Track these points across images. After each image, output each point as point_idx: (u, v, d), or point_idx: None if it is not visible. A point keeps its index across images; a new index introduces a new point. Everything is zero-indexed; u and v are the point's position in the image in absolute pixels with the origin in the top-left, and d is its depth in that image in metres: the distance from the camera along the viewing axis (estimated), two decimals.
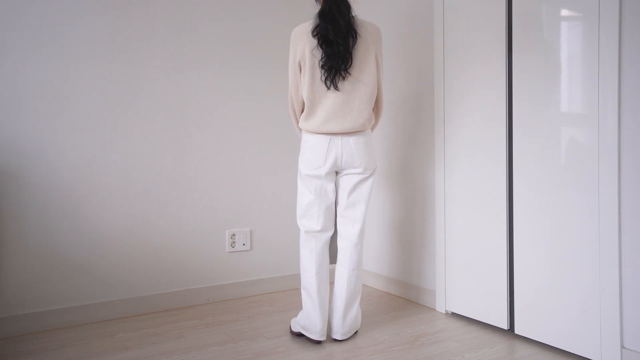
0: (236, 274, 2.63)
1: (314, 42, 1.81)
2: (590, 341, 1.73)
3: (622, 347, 1.65)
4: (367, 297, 2.60)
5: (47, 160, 2.14)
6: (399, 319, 2.24)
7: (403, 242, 2.61)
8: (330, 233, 1.97)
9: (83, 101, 2.22)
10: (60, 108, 2.17)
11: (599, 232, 1.70)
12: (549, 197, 1.85)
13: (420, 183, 2.48)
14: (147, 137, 2.37)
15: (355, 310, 1.97)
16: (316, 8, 1.92)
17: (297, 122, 2.02)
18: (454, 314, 2.30)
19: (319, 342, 1.92)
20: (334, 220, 2.01)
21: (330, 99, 1.84)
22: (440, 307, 2.34)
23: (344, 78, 1.82)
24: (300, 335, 1.98)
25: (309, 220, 1.94)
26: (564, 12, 1.80)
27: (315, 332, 1.89)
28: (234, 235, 2.61)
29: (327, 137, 1.87)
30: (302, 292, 1.95)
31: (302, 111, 1.94)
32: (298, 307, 2.41)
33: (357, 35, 1.82)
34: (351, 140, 1.88)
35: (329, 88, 1.82)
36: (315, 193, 1.92)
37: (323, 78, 1.82)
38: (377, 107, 2.00)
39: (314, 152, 1.89)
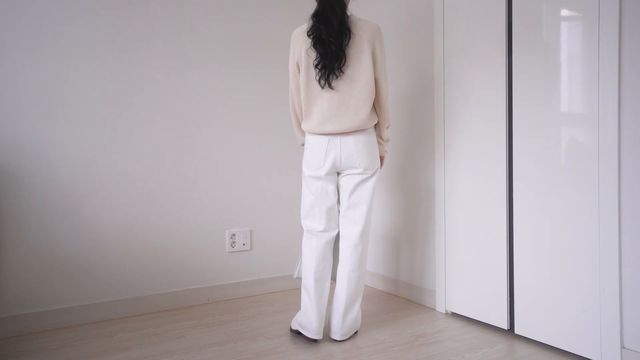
0: (236, 274, 2.63)
1: (309, 42, 1.84)
2: (590, 341, 1.73)
3: (622, 347, 1.65)
4: (367, 297, 2.60)
5: (47, 160, 2.14)
6: (399, 319, 2.24)
7: (403, 242, 2.60)
8: (333, 233, 1.98)
9: (83, 101, 2.22)
10: (60, 108, 2.17)
11: (599, 232, 1.70)
12: (549, 197, 1.85)
13: (421, 183, 2.48)
14: (147, 137, 2.37)
15: (356, 311, 1.96)
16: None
17: (298, 124, 2.05)
18: (454, 314, 2.30)
19: (314, 341, 1.93)
20: (337, 222, 2.01)
21: (325, 98, 1.85)
22: (440, 307, 2.34)
23: (337, 77, 1.82)
24: (298, 333, 1.99)
25: (312, 220, 1.96)
26: (564, 12, 1.80)
27: (311, 330, 1.90)
28: (234, 235, 2.61)
29: (326, 138, 1.88)
30: (302, 290, 1.97)
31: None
32: (298, 307, 2.41)
33: (351, 34, 1.82)
34: (350, 140, 1.87)
35: (323, 87, 1.84)
36: (316, 194, 1.94)
37: (317, 77, 1.83)
38: (378, 105, 1.92)
39: (314, 153, 1.91)
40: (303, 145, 2.06)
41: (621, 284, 1.65)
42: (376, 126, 1.99)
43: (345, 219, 1.97)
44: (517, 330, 1.99)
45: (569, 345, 1.80)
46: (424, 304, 2.45)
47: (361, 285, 1.96)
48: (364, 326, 2.13)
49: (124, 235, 2.31)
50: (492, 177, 2.08)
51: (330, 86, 1.83)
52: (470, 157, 2.18)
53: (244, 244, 2.65)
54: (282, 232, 2.78)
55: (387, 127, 1.99)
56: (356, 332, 2.04)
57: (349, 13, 1.86)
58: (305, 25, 1.89)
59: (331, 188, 1.94)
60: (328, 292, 1.95)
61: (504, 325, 2.04)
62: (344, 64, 1.82)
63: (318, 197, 1.93)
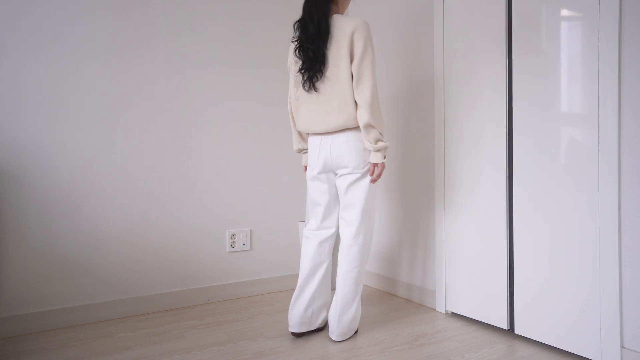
0: (236, 274, 2.63)
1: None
2: (590, 341, 1.73)
3: (622, 347, 1.65)
4: (367, 297, 2.60)
5: (47, 160, 2.14)
6: (399, 319, 2.24)
7: (403, 242, 2.61)
8: (328, 233, 2.00)
9: (83, 101, 2.22)
10: (60, 108, 2.17)
11: (599, 232, 1.70)
12: (549, 197, 1.85)
13: (421, 183, 2.48)
14: (147, 137, 2.37)
15: (352, 312, 1.95)
16: None
17: (294, 126, 2.10)
18: (454, 314, 2.30)
19: (295, 335, 2.00)
20: (334, 222, 2.03)
21: (311, 100, 1.93)
22: (441, 307, 2.34)
23: (319, 79, 1.88)
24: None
25: (309, 218, 2.06)
26: (564, 12, 1.80)
27: (290, 324, 2.00)
28: (234, 235, 2.61)
29: (319, 137, 1.95)
30: None
31: None
32: None
33: (329, 37, 1.86)
34: (341, 138, 1.90)
35: (307, 91, 1.91)
36: (312, 193, 2.03)
37: (302, 81, 1.92)
38: (357, 103, 1.84)
39: (310, 152, 2.00)
40: (297, 151, 2.15)
41: (621, 284, 1.65)
42: None
43: (342, 219, 1.98)
44: (517, 330, 1.99)
45: (569, 345, 1.80)
46: (424, 304, 2.45)
47: (356, 286, 1.94)
48: (364, 326, 2.13)
49: (124, 235, 2.31)
50: (491, 176, 2.08)
51: (314, 89, 1.89)
52: (470, 157, 2.18)
53: (244, 244, 2.65)
54: (282, 232, 2.78)
55: (370, 127, 1.82)
56: (356, 333, 2.04)
57: (340, 14, 1.89)
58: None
59: (324, 187, 1.99)
60: (313, 290, 1.97)
61: (504, 325, 2.04)
62: (324, 67, 1.86)
63: (314, 196, 2.02)
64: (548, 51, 1.85)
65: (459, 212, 2.24)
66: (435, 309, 2.37)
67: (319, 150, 1.94)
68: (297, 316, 1.99)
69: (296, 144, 2.12)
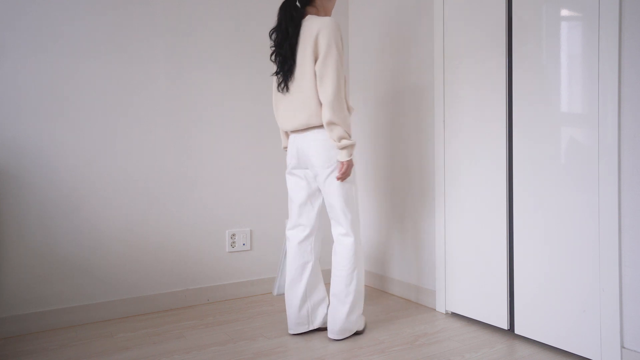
0: (236, 274, 2.63)
1: None
2: (590, 341, 1.73)
3: (622, 347, 1.65)
4: (367, 297, 2.60)
5: (47, 160, 2.14)
6: (399, 319, 2.24)
7: (403, 242, 2.61)
8: (304, 232, 2.01)
9: (83, 101, 2.22)
10: (60, 108, 2.17)
11: (599, 232, 1.70)
12: (549, 197, 1.85)
13: (420, 183, 2.48)
14: (147, 137, 2.37)
15: (346, 311, 1.93)
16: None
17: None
18: (454, 314, 2.30)
19: (292, 334, 2.04)
20: (311, 220, 2.02)
21: (285, 100, 1.98)
22: (440, 307, 2.34)
23: (289, 80, 1.95)
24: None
25: (289, 217, 2.09)
26: (564, 12, 1.80)
27: (289, 325, 2.04)
28: (234, 235, 2.61)
29: (293, 135, 2.01)
30: None
31: None
32: None
33: (298, 39, 1.92)
34: (310, 136, 1.93)
35: (281, 92, 1.98)
36: (290, 189, 2.07)
37: (277, 84, 2.01)
38: (321, 101, 1.86)
39: (288, 149, 2.06)
40: (283, 148, 2.19)
41: (621, 284, 1.65)
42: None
43: (331, 219, 2.01)
44: (517, 330, 1.99)
45: (569, 345, 1.80)
46: (424, 304, 2.45)
47: (347, 286, 1.93)
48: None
49: (124, 235, 2.31)
50: (492, 176, 2.08)
51: (287, 89, 1.96)
52: (470, 157, 2.18)
53: (244, 244, 2.65)
54: (282, 232, 2.78)
55: (332, 125, 1.83)
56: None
57: (316, 15, 1.92)
58: None
59: (302, 183, 2.01)
60: (303, 291, 1.99)
61: (504, 325, 2.04)
62: (294, 67, 1.93)
63: (290, 192, 2.07)
64: (548, 51, 1.85)
65: (459, 212, 2.24)
66: (435, 309, 2.37)
67: (294, 146, 2.00)
68: (292, 317, 2.02)
69: (283, 141, 2.18)
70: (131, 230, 2.33)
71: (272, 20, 2.73)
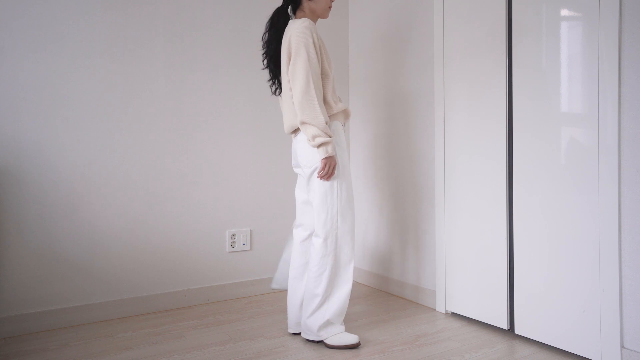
0: (236, 274, 2.63)
1: None
2: (590, 341, 1.73)
3: (622, 347, 1.65)
4: (367, 297, 2.60)
5: (47, 160, 2.14)
6: (399, 319, 2.24)
7: (403, 242, 2.61)
8: (304, 232, 2.03)
9: (83, 101, 2.22)
10: (60, 108, 2.17)
11: (599, 232, 1.70)
12: (549, 197, 1.85)
13: (420, 183, 2.48)
14: (147, 137, 2.37)
15: (310, 311, 1.89)
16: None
17: None
18: (454, 314, 2.30)
19: (292, 334, 2.04)
20: (312, 220, 2.01)
21: (282, 105, 2.03)
22: (440, 307, 2.34)
23: (278, 86, 2.04)
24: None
25: None
26: (564, 12, 1.80)
27: (288, 324, 2.05)
28: (234, 235, 2.61)
29: (292, 137, 2.04)
30: None
31: None
32: None
33: (279, 47, 1.97)
34: (297, 138, 1.96)
35: (278, 96, 2.06)
36: (295, 188, 2.12)
37: (272, 90, 2.10)
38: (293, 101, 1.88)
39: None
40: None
41: (621, 284, 1.65)
42: None
43: None
44: (517, 330, 1.98)
45: (569, 345, 1.80)
46: (424, 304, 2.45)
47: (315, 287, 1.88)
48: (364, 326, 2.13)
49: (124, 235, 2.31)
50: (492, 176, 2.08)
51: (280, 94, 2.02)
52: (470, 157, 2.18)
53: (244, 244, 2.65)
54: (282, 232, 2.78)
55: (304, 125, 1.83)
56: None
57: (302, 18, 1.90)
58: None
59: (302, 183, 2.03)
60: (303, 289, 1.98)
61: (504, 325, 2.04)
62: (279, 75, 2.00)
63: (296, 191, 2.08)
64: (548, 51, 1.85)
65: (459, 212, 2.24)
66: (435, 309, 2.37)
67: (292, 148, 2.04)
68: (292, 316, 2.02)
69: None
70: (131, 230, 2.33)
71: None
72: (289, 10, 2.00)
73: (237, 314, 2.33)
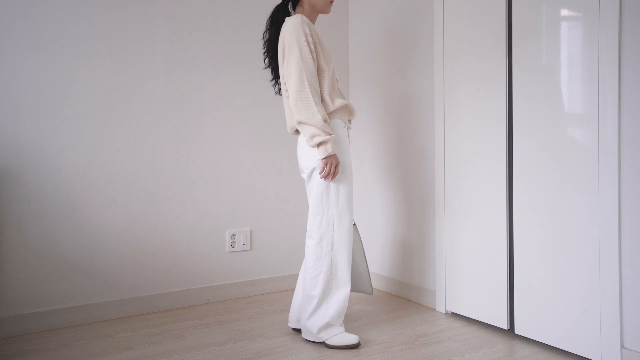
0: (236, 274, 2.63)
1: None
2: (590, 341, 1.73)
3: (622, 347, 1.65)
4: (367, 297, 2.60)
5: (47, 160, 2.14)
6: (399, 319, 2.24)
7: (403, 243, 2.60)
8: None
9: (83, 101, 2.22)
10: (60, 108, 2.17)
11: (599, 232, 1.70)
12: (549, 197, 1.85)
13: (421, 183, 2.48)
14: (147, 137, 2.37)
15: (308, 314, 1.88)
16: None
17: None
18: (454, 314, 2.30)
19: (294, 330, 2.06)
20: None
21: (284, 105, 2.00)
22: (441, 307, 2.34)
23: (277, 83, 2.03)
24: None
25: None
26: (564, 12, 1.80)
27: (289, 319, 2.06)
28: (234, 235, 2.61)
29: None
30: None
31: None
32: None
33: (276, 45, 1.95)
34: (298, 139, 1.95)
35: (277, 95, 2.05)
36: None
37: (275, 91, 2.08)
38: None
39: None
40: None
41: (621, 284, 1.65)
42: None
43: None
44: (517, 330, 1.98)
45: (569, 345, 1.80)
46: (424, 304, 2.45)
47: (311, 289, 1.87)
48: (365, 326, 2.13)
49: (124, 235, 2.31)
50: (492, 176, 2.08)
51: (281, 94, 2.00)
52: (470, 157, 2.18)
53: (244, 244, 2.65)
54: (282, 232, 2.78)
55: (301, 125, 1.80)
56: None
57: (298, 15, 1.87)
58: None
59: (308, 187, 1.97)
60: (300, 290, 1.99)
61: (504, 325, 2.04)
62: (276, 73, 2.00)
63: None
64: (548, 51, 1.85)
65: (459, 212, 2.24)
66: (435, 309, 2.37)
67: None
68: (293, 312, 2.03)
69: None
70: (131, 230, 2.33)
71: None
72: (289, 6, 1.97)
73: (237, 314, 2.33)
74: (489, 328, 2.12)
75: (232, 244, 2.61)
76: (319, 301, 1.87)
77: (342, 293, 1.88)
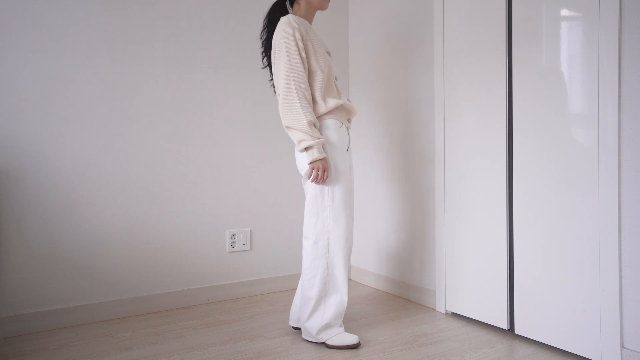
0: (236, 274, 2.63)
1: None
2: (590, 341, 1.73)
3: (622, 347, 1.65)
4: (367, 297, 2.60)
5: (47, 160, 2.14)
6: (399, 319, 2.24)
7: (403, 242, 2.61)
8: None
9: (83, 101, 2.22)
10: (60, 108, 2.17)
11: (599, 232, 1.70)
12: (549, 197, 1.85)
13: (420, 183, 2.48)
14: (147, 137, 2.37)
15: (307, 314, 1.88)
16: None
17: None
18: (454, 314, 2.30)
19: (292, 327, 2.07)
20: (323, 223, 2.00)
21: None
22: (440, 307, 2.34)
23: (270, 81, 2.02)
24: None
25: None
26: (564, 12, 1.80)
27: (290, 317, 2.07)
28: (234, 235, 2.61)
29: None
30: None
31: None
32: None
33: (270, 42, 1.93)
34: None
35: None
36: None
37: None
38: None
39: None
40: None
41: (621, 284, 1.65)
42: None
43: None
44: (517, 330, 1.99)
45: (569, 345, 1.80)
46: (424, 304, 2.45)
47: (308, 290, 1.87)
48: (365, 326, 2.13)
49: (124, 235, 2.31)
50: (492, 176, 2.08)
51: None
52: (470, 157, 2.18)
53: (244, 244, 2.65)
54: (282, 232, 2.78)
55: (289, 129, 1.79)
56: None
57: (292, 15, 1.86)
58: None
59: (304, 187, 1.96)
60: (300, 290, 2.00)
61: (504, 325, 2.04)
62: (271, 72, 1.96)
63: None
64: (548, 51, 1.85)
65: (459, 212, 2.24)
66: (435, 309, 2.37)
67: None
68: (294, 310, 2.04)
69: None
70: (131, 230, 2.33)
71: None
72: (287, 3, 1.96)
73: (237, 314, 2.33)
74: (489, 328, 2.12)
75: (232, 244, 2.61)
76: (316, 302, 1.87)
77: (340, 294, 1.88)
